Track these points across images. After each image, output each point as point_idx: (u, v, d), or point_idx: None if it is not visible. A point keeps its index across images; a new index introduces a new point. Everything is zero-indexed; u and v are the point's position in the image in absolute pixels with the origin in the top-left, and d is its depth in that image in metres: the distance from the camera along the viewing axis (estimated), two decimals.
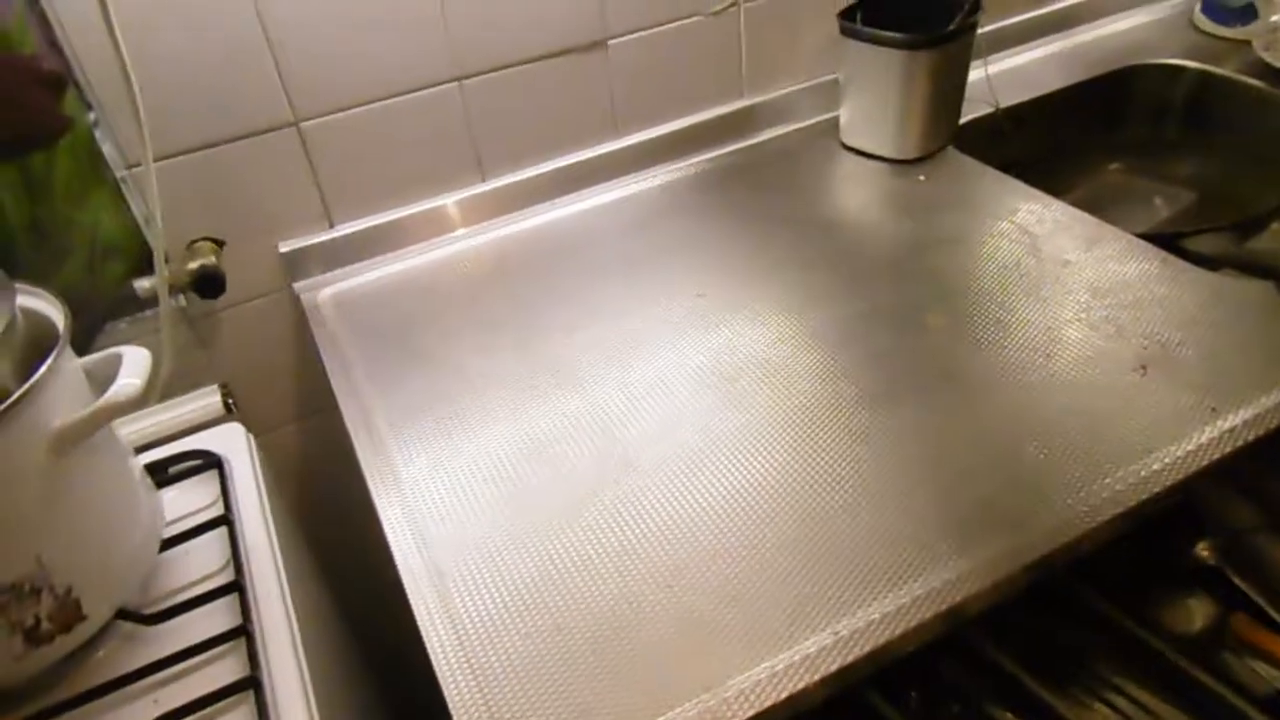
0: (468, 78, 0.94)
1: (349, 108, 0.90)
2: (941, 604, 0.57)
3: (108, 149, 0.82)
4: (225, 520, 0.73)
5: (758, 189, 1.02)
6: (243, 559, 0.71)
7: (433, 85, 0.93)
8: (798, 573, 0.60)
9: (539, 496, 0.69)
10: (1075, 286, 0.82)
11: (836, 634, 0.56)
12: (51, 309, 0.64)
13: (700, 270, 0.90)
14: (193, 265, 0.86)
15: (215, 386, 0.88)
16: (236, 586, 0.68)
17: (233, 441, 0.83)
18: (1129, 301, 0.79)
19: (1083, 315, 0.78)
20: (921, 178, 1.01)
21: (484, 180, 1.00)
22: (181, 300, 0.90)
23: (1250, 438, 0.65)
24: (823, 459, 0.68)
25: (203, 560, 0.71)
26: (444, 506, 0.69)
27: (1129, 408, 0.69)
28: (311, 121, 0.89)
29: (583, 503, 0.67)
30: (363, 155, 0.93)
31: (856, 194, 1.01)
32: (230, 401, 0.88)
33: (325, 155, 0.91)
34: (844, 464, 0.68)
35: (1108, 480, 0.63)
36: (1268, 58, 1.11)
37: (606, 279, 0.91)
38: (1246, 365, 0.71)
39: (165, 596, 0.69)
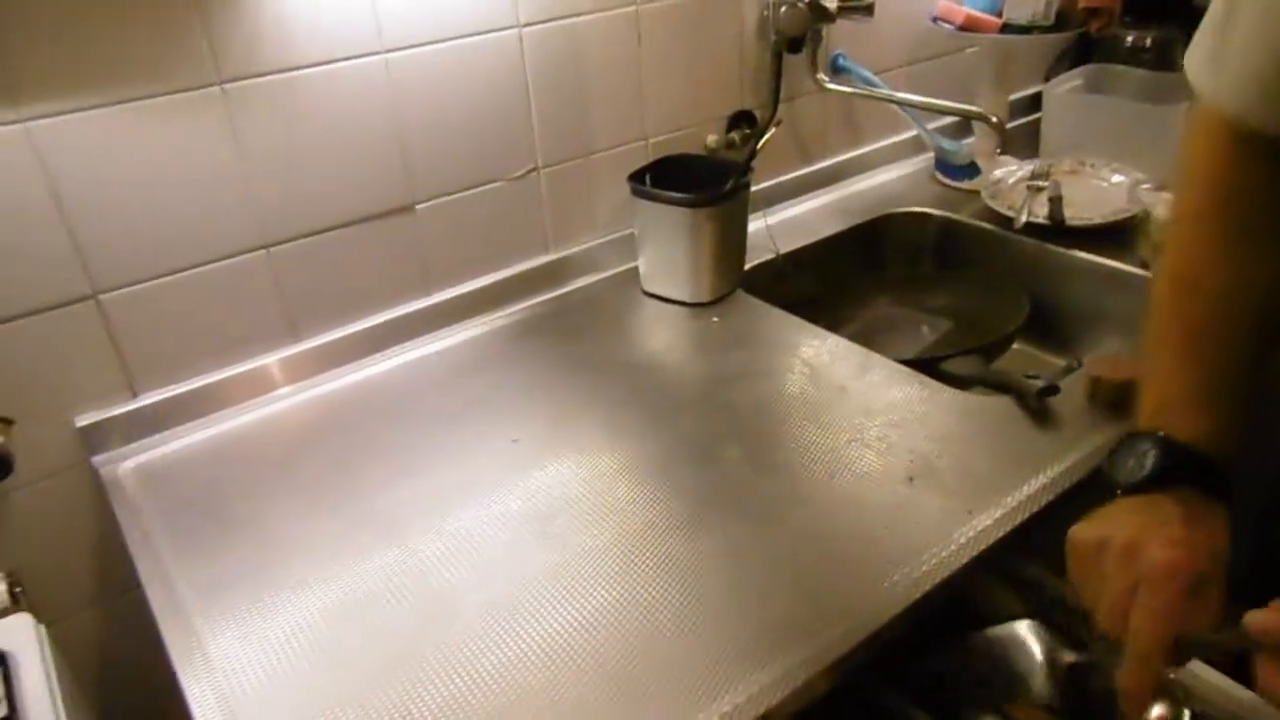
0: (276, 244, 0.96)
1: (152, 279, 0.90)
2: (751, 713, 0.61)
3: None
4: None
5: (566, 336, 1.08)
6: None
7: (240, 253, 0.95)
8: (619, 700, 0.62)
9: (357, 657, 0.68)
10: (851, 410, 0.91)
11: None
12: None
13: (514, 417, 0.94)
14: None
15: (0, 575, 0.82)
16: None
17: (19, 635, 0.77)
18: (896, 421, 0.89)
19: (858, 436, 0.87)
20: (715, 319, 1.11)
21: (297, 341, 1.02)
22: None
23: (1000, 535, 0.74)
24: (636, 590, 0.72)
25: None
26: (255, 680, 0.67)
27: (900, 516, 0.77)
28: (110, 294, 0.88)
29: (403, 658, 0.67)
30: (168, 323, 0.93)
31: (658, 336, 1.09)
32: (18, 590, 0.82)
33: (126, 325, 0.90)
34: (656, 593, 0.71)
35: (886, 584, 0.70)
36: (993, 205, 1.31)
37: (423, 432, 0.93)
38: (992, 472, 0.81)
39: None
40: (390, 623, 0.71)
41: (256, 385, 1.00)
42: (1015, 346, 1.19)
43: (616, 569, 0.74)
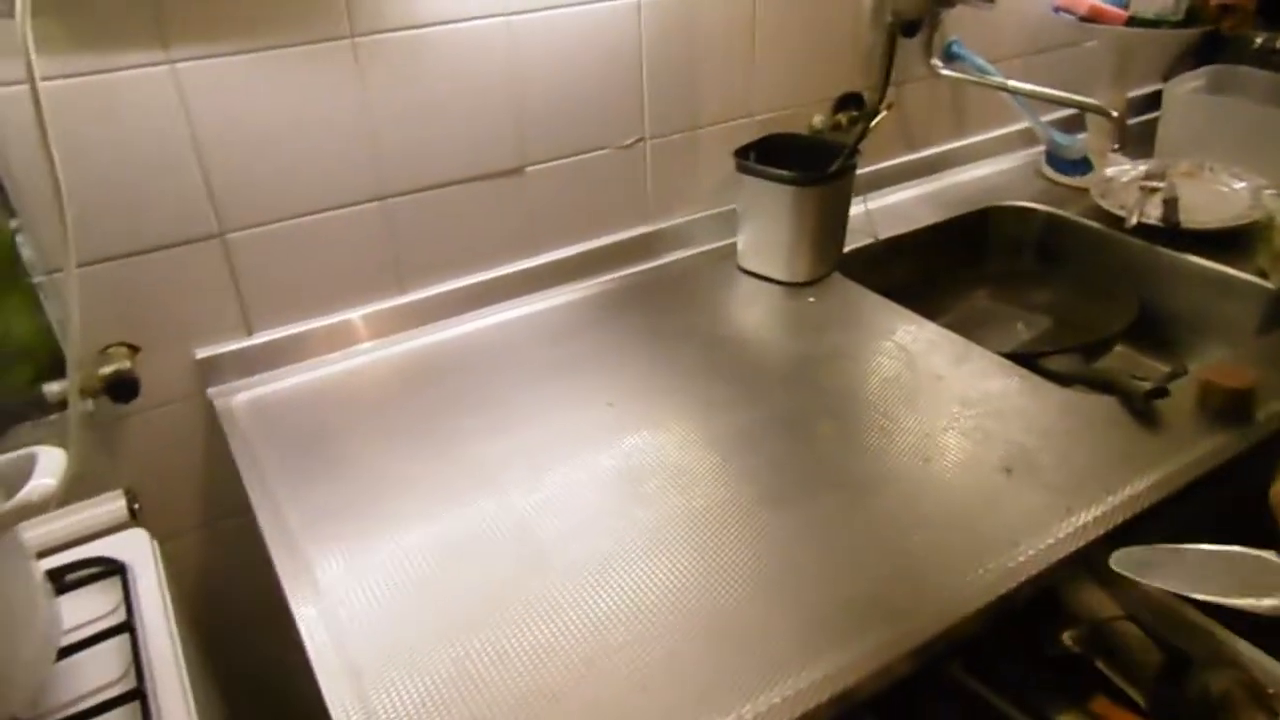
0: (391, 197, 0.99)
1: (274, 221, 0.94)
2: (835, 688, 0.61)
3: (27, 254, 0.83)
4: (127, 627, 0.72)
5: (663, 307, 1.09)
6: (144, 668, 0.69)
7: (357, 203, 0.98)
8: (703, 662, 0.64)
9: (455, 596, 0.70)
10: (947, 398, 0.90)
11: (740, 717, 0.59)
12: None
13: (609, 381, 0.96)
14: (106, 370, 0.87)
15: (119, 492, 0.87)
16: (137, 694, 0.66)
17: (136, 548, 0.82)
18: (994, 411, 0.88)
19: (955, 424, 0.87)
20: (811, 299, 1.10)
21: (403, 293, 1.05)
22: (90, 405, 0.89)
23: (1100, 533, 0.73)
24: (724, 556, 0.73)
25: (101, 670, 0.70)
26: (359, 607, 0.70)
27: (996, 506, 0.76)
28: (236, 234, 0.92)
29: (498, 601, 0.70)
30: (285, 267, 0.97)
31: (752, 313, 1.09)
32: (135, 507, 0.87)
33: (248, 266, 0.94)
34: (744, 561, 0.72)
35: (980, 571, 0.70)
36: (1103, 204, 1.27)
37: (519, 389, 0.95)
38: (1095, 469, 0.80)
39: (59, 709, 0.67)
40: (486, 566, 0.73)
41: (362, 333, 1.03)
42: (1117, 349, 1.16)
43: (706, 534, 0.75)
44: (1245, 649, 0.68)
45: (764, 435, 0.87)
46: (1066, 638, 0.73)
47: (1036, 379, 0.93)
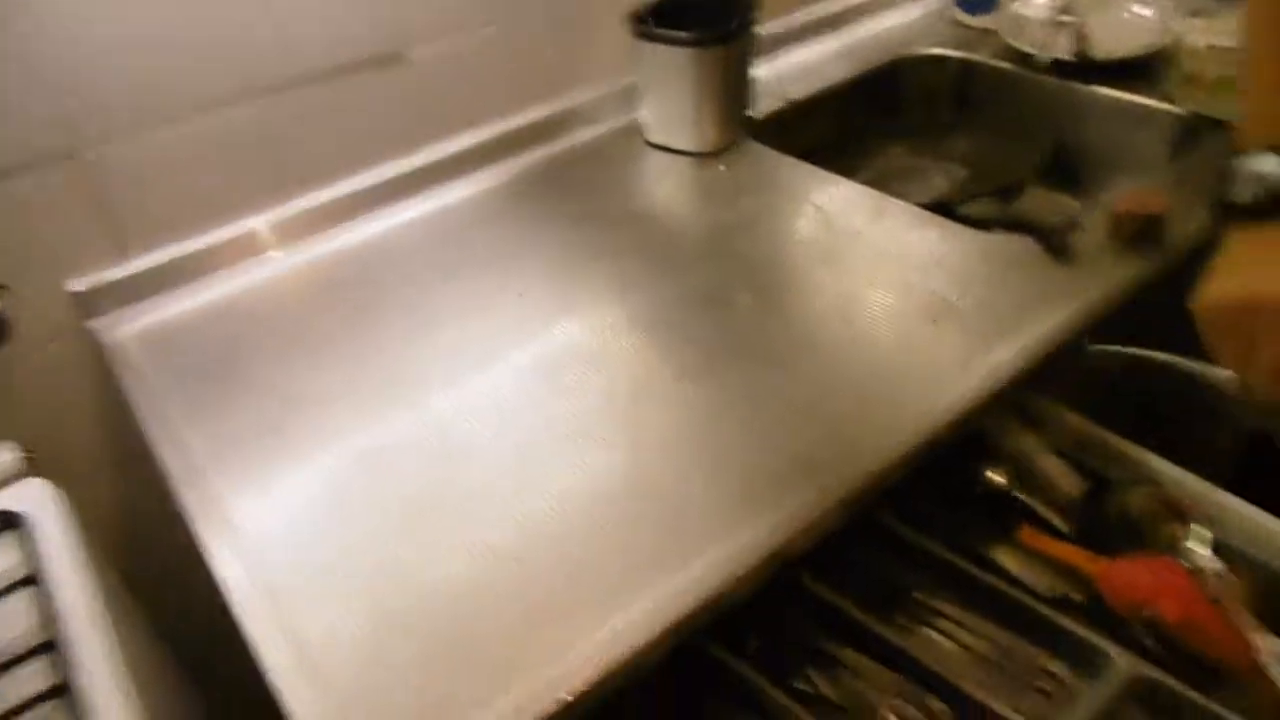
0: (263, 95, 0.92)
1: (137, 131, 0.86)
2: (766, 548, 0.61)
3: None
4: (31, 581, 0.69)
5: (569, 191, 1.04)
6: (56, 620, 0.66)
7: (226, 103, 0.90)
8: (635, 541, 0.62)
9: (376, 505, 0.68)
10: (867, 255, 0.89)
11: (674, 589, 0.58)
12: None
13: (518, 272, 0.92)
14: None
15: (10, 443, 0.82)
16: (50, 646, 0.63)
17: (37, 499, 0.77)
18: (913, 264, 0.86)
19: (875, 280, 0.85)
20: (722, 168, 1.06)
21: (292, 199, 0.98)
22: None
23: (1019, 370, 0.73)
24: (650, 435, 0.71)
25: (7, 627, 0.66)
26: (277, 534, 0.67)
27: (919, 356, 0.75)
28: (94, 149, 0.84)
29: (422, 504, 0.67)
30: (157, 183, 0.89)
31: (663, 188, 1.05)
32: (30, 456, 0.82)
33: (112, 183, 0.87)
34: (669, 438, 0.71)
35: (904, 420, 0.69)
36: (1014, 43, 1.24)
37: (427, 290, 0.90)
38: (1013, 309, 0.79)
39: None
40: (406, 475, 0.70)
41: (251, 247, 0.97)
42: (1035, 190, 1.15)
43: (628, 416, 0.73)
44: (1160, 466, 0.70)
45: (682, 310, 0.84)
46: (992, 475, 0.74)
47: (954, 226, 0.91)
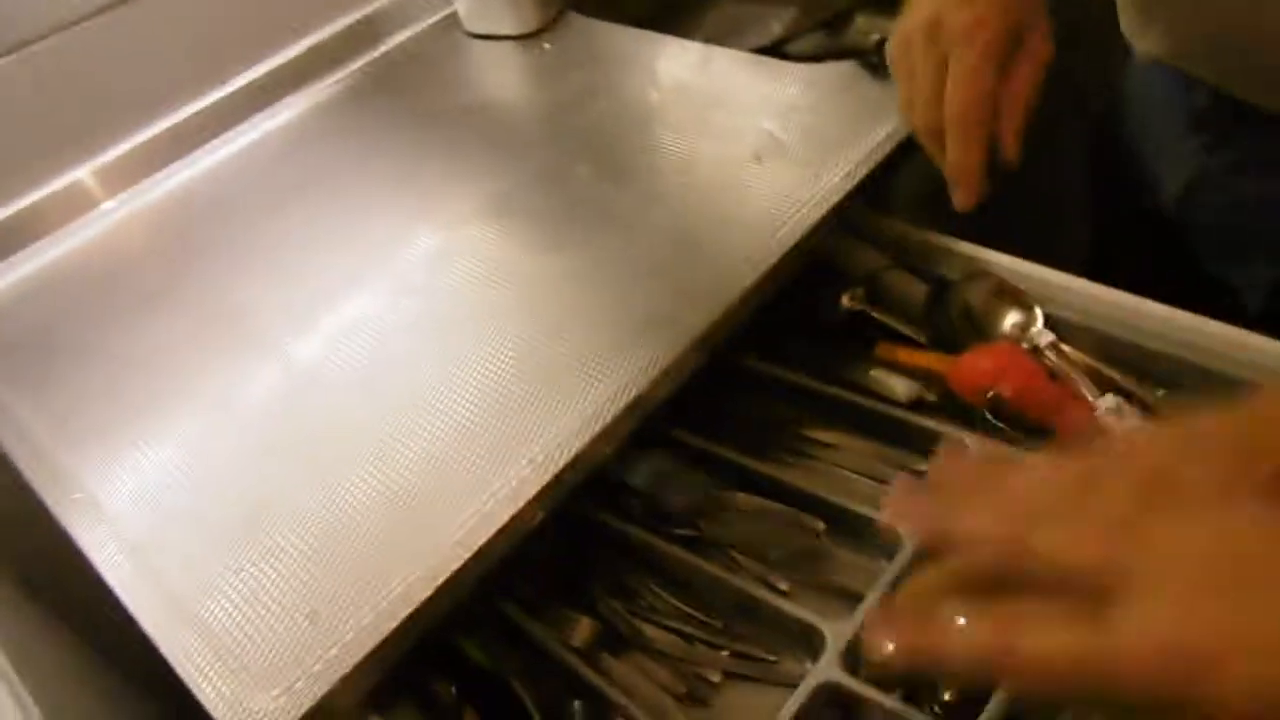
0: (68, 28, 0.86)
1: None
2: (626, 398, 0.61)
3: None
4: None
5: (393, 96, 1.01)
6: None
7: (33, 42, 0.84)
8: (492, 425, 0.63)
9: (229, 442, 0.66)
10: (696, 106, 0.88)
11: (533, 458, 0.59)
12: None
13: (354, 187, 0.89)
14: None
15: None
16: None
17: None
18: (742, 106, 0.86)
19: (706, 131, 0.85)
20: (546, 46, 1.03)
21: (115, 143, 0.93)
22: None
23: (849, 188, 0.74)
24: (503, 320, 0.70)
25: None
26: (130, 489, 0.65)
27: (753, 193, 0.76)
28: None
29: (274, 431, 0.66)
30: None
31: (489, 76, 1.02)
32: None
33: None
34: (524, 315, 0.70)
35: (745, 256, 0.70)
36: None
37: (261, 222, 0.87)
38: (839, 133, 0.80)
39: None
40: (256, 403, 0.69)
41: (80, 201, 0.91)
42: (865, 16, 1.15)
43: (481, 302, 0.72)
44: (994, 257, 0.72)
45: (523, 193, 0.83)
46: (845, 298, 0.75)
47: (777, 64, 0.91)
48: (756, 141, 0.81)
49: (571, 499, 0.62)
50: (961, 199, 0.69)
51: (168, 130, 0.96)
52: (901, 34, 0.66)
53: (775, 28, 1.21)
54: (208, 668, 0.52)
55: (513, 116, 0.94)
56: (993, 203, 0.71)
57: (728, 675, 0.60)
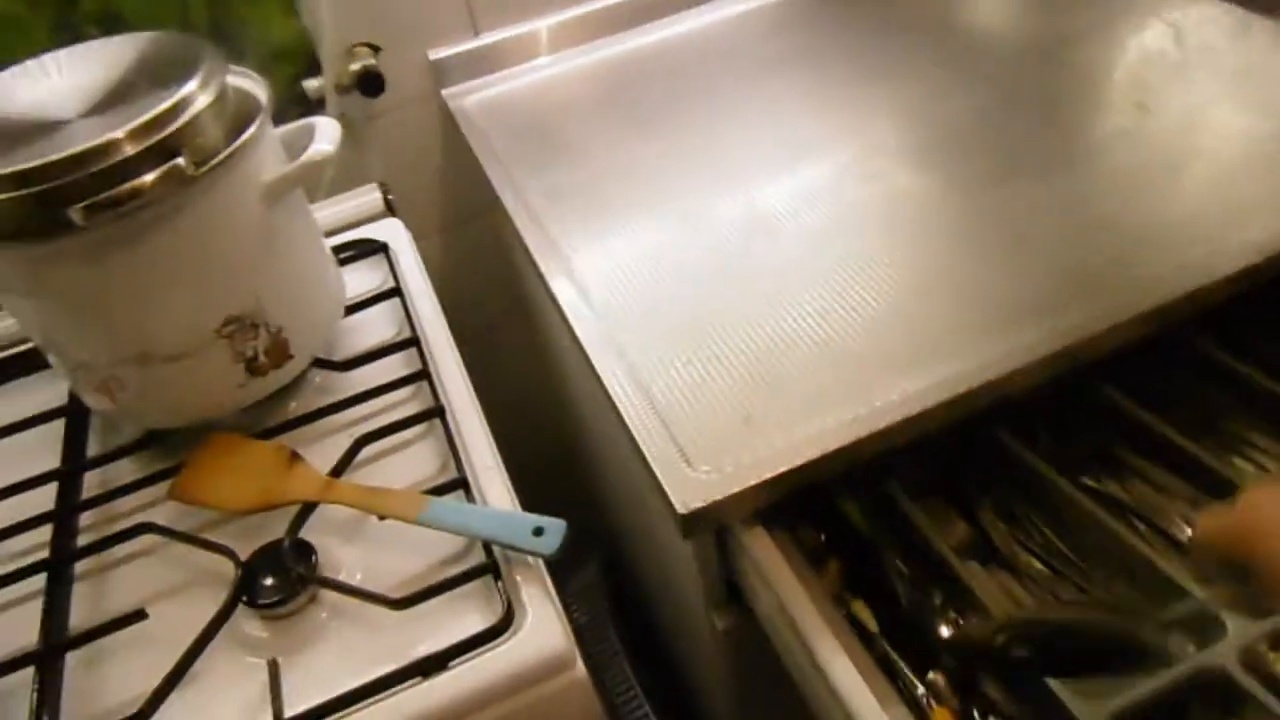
0: None
1: None
2: (1059, 343, 0.60)
3: None
4: (397, 292, 0.81)
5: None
6: (415, 321, 0.78)
7: None
8: (931, 318, 0.64)
9: (691, 260, 0.73)
10: (1220, 71, 0.81)
11: (963, 365, 0.60)
12: (254, 86, 0.70)
13: (826, 75, 0.92)
14: (355, 66, 0.92)
15: (375, 184, 0.95)
16: (414, 341, 0.75)
17: (394, 234, 0.90)
18: (1276, 80, 0.78)
19: (1227, 98, 0.78)
20: None
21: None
22: (340, 105, 0.96)
23: None
24: (954, 229, 0.71)
25: (379, 326, 0.79)
26: (605, 275, 0.74)
27: (1266, 176, 0.69)
28: None
29: (733, 263, 0.72)
30: None
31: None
32: (390, 199, 0.95)
33: None
34: (981, 232, 0.71)
35: (1243, 240, 0.65)
36: None
37: (751, 84, 0.93)
38: None
39: (351, 354, 0.77)
40: (720, 235, 0.75)
41: (580, 33, 1.03)
42: None
43: (934, 211, 0.74)
44: None
45: (1004, 117, 0.82)
46: None
47: None
48: None
49: (982, 415, 0.62)
50: None
51: None
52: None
53: None
54: (652, 427, 0.60)
55: (1004, 39, 0.92)
56: None
57: None
